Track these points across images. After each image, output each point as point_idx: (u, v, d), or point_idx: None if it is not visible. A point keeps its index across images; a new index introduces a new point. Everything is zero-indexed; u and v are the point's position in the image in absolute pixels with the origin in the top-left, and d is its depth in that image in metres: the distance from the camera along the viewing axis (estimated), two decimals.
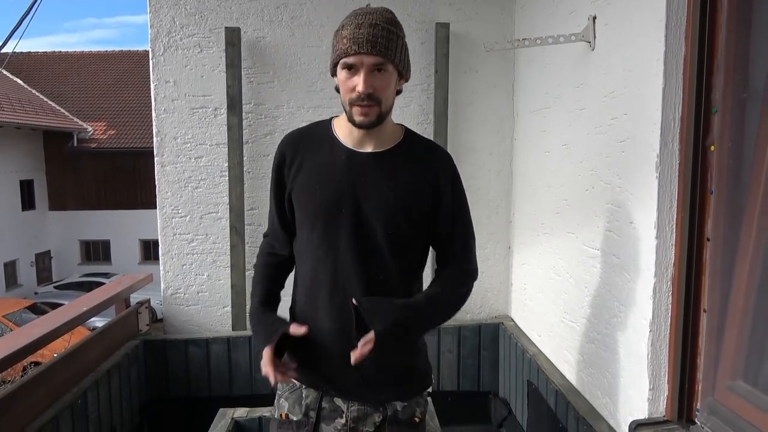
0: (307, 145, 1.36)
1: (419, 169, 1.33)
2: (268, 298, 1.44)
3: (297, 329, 1.30)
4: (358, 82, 1.21)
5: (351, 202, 1.30)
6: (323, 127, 1.37)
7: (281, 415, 1.39)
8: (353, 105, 1.24)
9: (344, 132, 1.34)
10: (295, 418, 1.36)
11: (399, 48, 1.24)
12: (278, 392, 1.43)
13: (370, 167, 1.31)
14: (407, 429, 1.36)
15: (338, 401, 1.36)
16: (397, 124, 1.40)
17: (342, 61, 1.23)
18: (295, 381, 1.39)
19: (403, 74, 1.29)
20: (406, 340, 1.33)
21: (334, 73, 1.29)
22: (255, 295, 1.45)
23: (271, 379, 1.30)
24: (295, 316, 1.41)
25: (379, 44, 1.19)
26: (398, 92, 1.33)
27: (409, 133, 1.39)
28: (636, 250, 1.61)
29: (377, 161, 1.32)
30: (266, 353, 1.30)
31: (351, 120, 1.27)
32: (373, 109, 1.24)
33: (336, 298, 1.32)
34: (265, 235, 1.53)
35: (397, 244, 1.32)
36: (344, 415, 1.35)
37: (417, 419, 1.38)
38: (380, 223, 1.30)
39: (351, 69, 1.22)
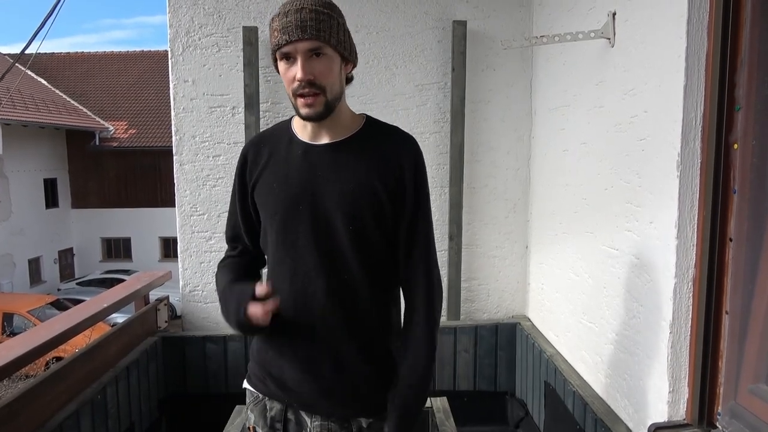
0: (268, 145, 1.31)
1: (380, 157, 1.24)
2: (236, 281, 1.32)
3: (262, 289, 1.18)
4: (296, 70, 1.14)
5: (308, 197, 1.23)
6: (284, 126, 1.32)
7: (249, 427, 1.35)
8: (297, 96, 1.17)
9: (300, 127, 1.28)
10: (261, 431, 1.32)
11: (334, 29, 1.16)
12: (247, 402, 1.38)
13: (327, 159, 1.24)
14: None
15: (303, 414, 1.29)
16: (360, 113, 1.32)
17: (278, 53, 1.17)
18: (258, 392, 1.33)
19: (347, 58, 1.22)
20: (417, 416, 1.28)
21: (277, 68, 1.22)
22: (219, 284, 1.34)
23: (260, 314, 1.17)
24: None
25: (310, 27, 1.12)
26: (349, 80, 1.26)
27: (370, 121, 1.30)
28: (656, 250, 1.58)
29: (334, 152, 1.24)
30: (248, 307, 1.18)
31: (298, 113, 1.21)
32: (318, 99, 1.16)
33: (297, 301, 1.24)
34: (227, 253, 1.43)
35: (359, 240, 1.22)
36: (308, 429, 1.28)
37: None
38: (339, 217, 1.21)
39: (288, 59, 1.16)
